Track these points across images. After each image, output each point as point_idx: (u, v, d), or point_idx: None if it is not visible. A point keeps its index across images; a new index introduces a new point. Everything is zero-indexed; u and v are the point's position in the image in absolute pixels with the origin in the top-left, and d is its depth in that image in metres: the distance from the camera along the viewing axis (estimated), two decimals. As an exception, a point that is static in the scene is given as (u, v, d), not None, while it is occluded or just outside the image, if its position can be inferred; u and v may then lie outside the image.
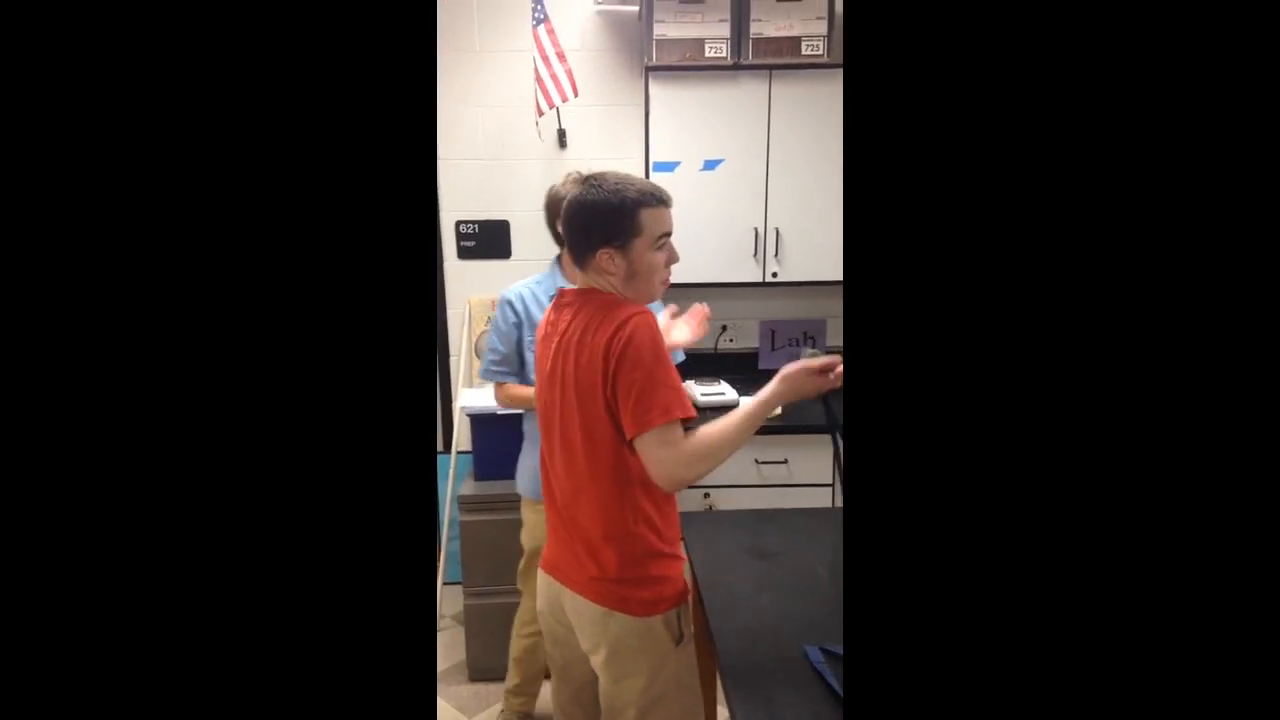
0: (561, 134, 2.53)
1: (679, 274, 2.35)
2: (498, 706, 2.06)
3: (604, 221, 1.16)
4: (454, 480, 2.54)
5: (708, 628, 1.24)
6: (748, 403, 1.17)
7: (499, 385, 1.83)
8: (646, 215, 1.16)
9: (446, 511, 2.55)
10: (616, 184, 1.17)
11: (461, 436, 2.58)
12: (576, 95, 2.30)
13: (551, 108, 2.31)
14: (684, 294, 2.53)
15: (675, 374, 1.12)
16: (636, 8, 2.39)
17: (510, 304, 1.82)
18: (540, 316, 1.77)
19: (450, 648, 2.39)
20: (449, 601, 2.59)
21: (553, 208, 1.78)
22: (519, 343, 1.81)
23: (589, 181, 1.20)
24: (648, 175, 2.35)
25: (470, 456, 2.20)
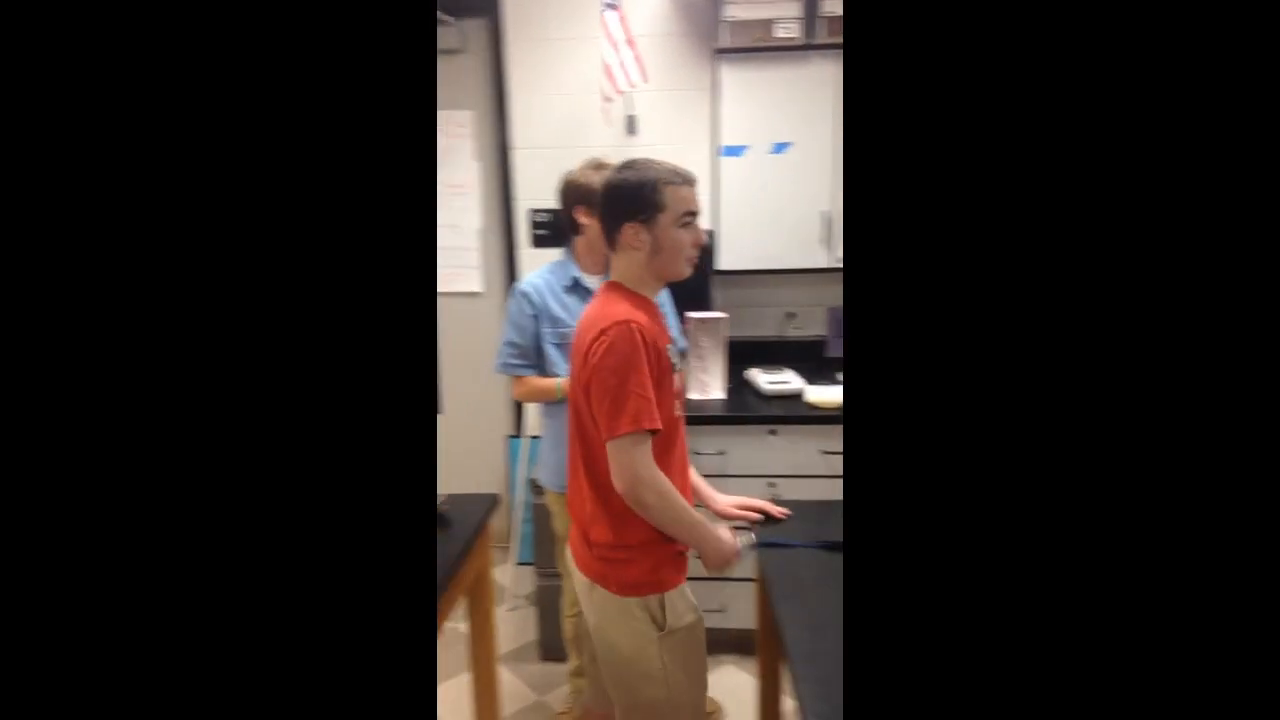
0: (630, 120, 2.53)
1: (747, 260, 2.35)
2: (567, 687, 2.11)
3: (631, 197, 1.22)
4: (526, 463, 2.60)
5: (774, 619, 1.23)
6: (695, 521, 1.24)
7: (517, 379, 1.78)
8: (671, 192, 1.22)
9: (519, 494, 2.62)
10: (645, 164, 1.25)
11: (533, 421, 2.64)
12: (645, 81, 2.30)
13: (620, 94, 2.31)
14: (752, 280, 2.50)
15: (647, 384, 1.17)
16: (706, -10, 2.37)
17: (526, 296, 1.75)
18: (556, 306, 1.76)
19: (521, 628, 2.46)
20: (522, 582, 2.66)
21: (567, 193, 1.73)
22: (536, 335, 1.76)
23: (621, 166, 1.27)
24: (716, 159, 2.33)
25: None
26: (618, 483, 1.19)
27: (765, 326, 2.62)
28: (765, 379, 2.32)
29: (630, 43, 2.25)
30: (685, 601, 1.29)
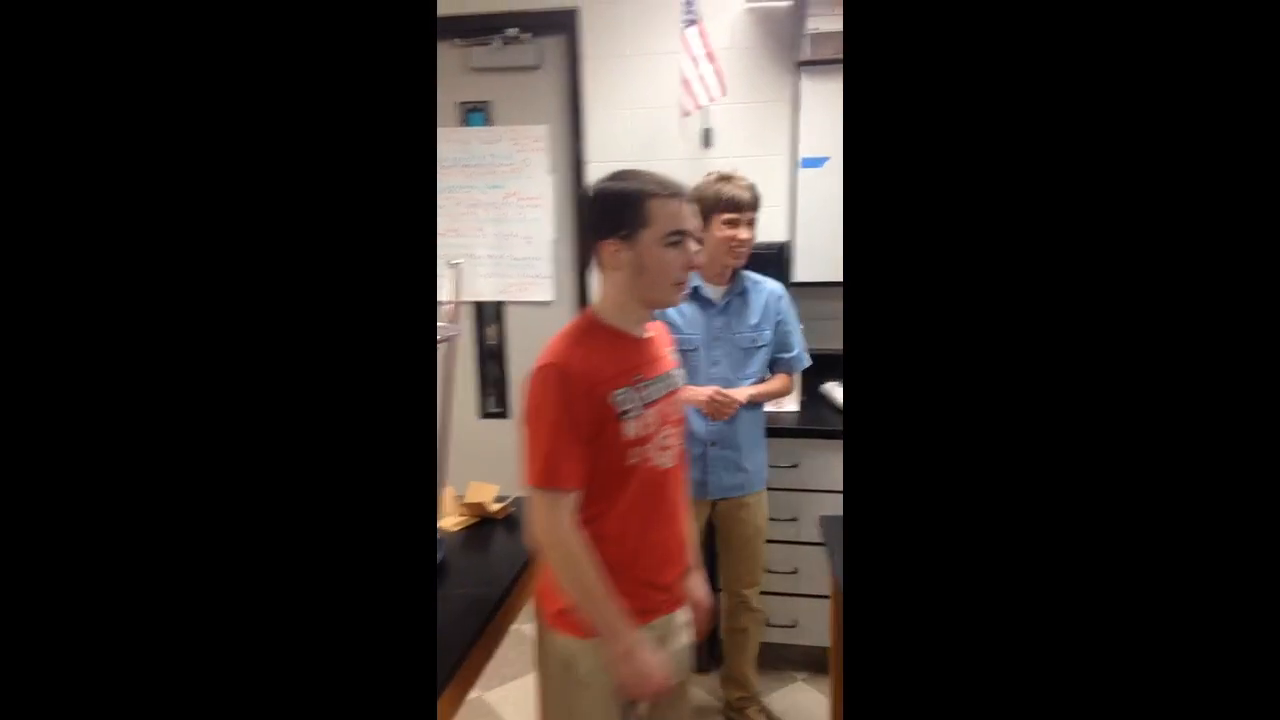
0: (706, 133, 2.55)
1: (824, 272, 2.33)
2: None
3: (611, 211, 1.11)
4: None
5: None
6: (607, 610, 1.10)
7: None
8: (657, 206, 1.10)
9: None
10: (632, 175, 1.14)
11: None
12: (725, 94, 2.31)
13: (698, 108, 2.33)
14: (829, 293, 2.48)
15: (561, 437, 1.07)
16: (789, 3, 2.38)
17: None
18: (674, 314, 1.81)
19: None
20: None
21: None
22: None
23: (609, 176, 1.16)
24: (795, 171, 2.33)
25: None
26: (530, 530, 1.12)
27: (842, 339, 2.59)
28: (841, 392, 2.29)
29: (710, 57, 2.28)
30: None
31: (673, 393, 1.24)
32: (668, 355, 1.28)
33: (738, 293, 1.89)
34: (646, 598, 1.19)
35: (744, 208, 1.79)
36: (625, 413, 1.13)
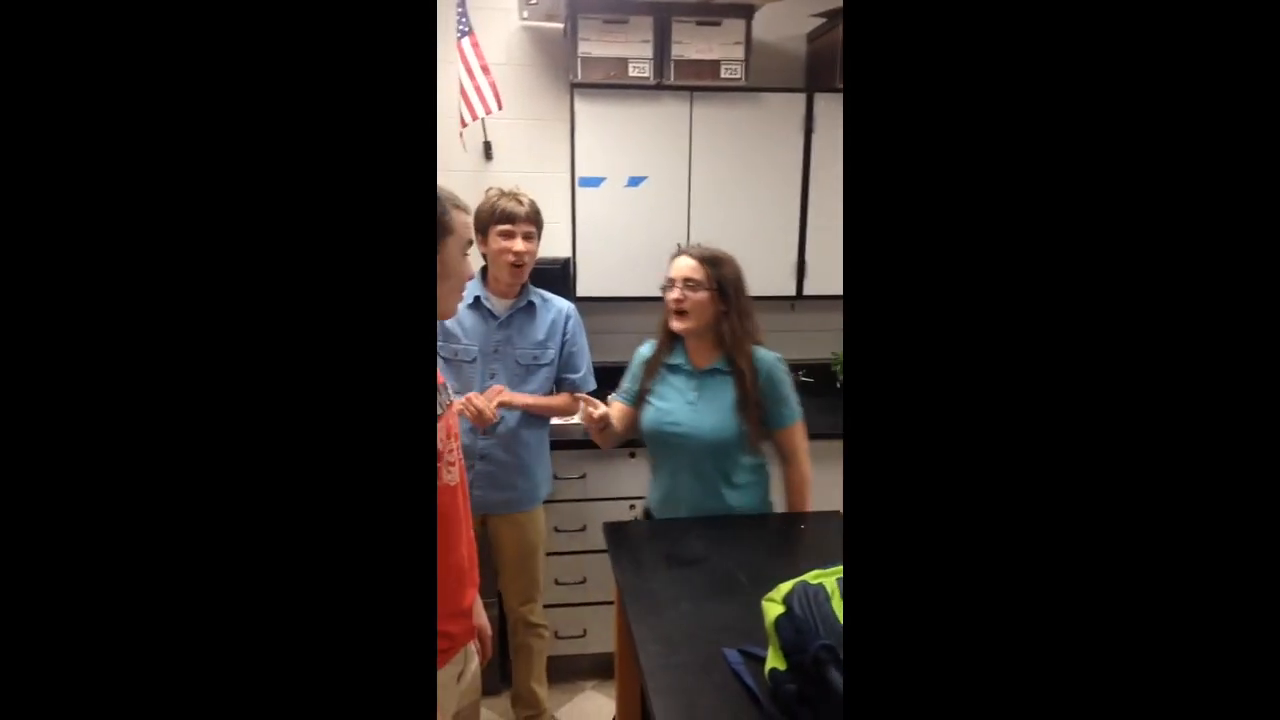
0: (488, 146, 2.53)
1: (605, 287, 2.41)
2: None
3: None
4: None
5: (630, 633, 1.26)
6: None
7: None
8: (457, 215, 1.12)
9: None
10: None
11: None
12: (501, 108, 2.31)
13: (475, 120, 2.31)
14: (609, 307, 2.56)
15: None
16: (562, 25, 2.43)
17: None
18: (451, 322, 1.83)
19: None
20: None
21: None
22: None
23: None
24: (574, 189, 2.38)
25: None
26: None
27: (622, 351, 2.68)
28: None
29: (485, 69, 2.27)
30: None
31: (451, 404, 1.22)
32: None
33: (522, 307, 1.90)
34: (447, 630, 1.15)
35: (517, 220, 1.81)
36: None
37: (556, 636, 2.28)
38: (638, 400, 1.76)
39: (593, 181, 2.35)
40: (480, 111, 2.28)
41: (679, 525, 1.66)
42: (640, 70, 2.28)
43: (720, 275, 1.67)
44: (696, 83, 2.31)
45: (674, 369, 1.74)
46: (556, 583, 2.28)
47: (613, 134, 2.33)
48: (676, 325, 1.67)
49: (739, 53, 2.30)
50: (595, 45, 2.24)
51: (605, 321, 2.53)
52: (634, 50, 2.26)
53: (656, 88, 2.31)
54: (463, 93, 2.26)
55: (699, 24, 2.27)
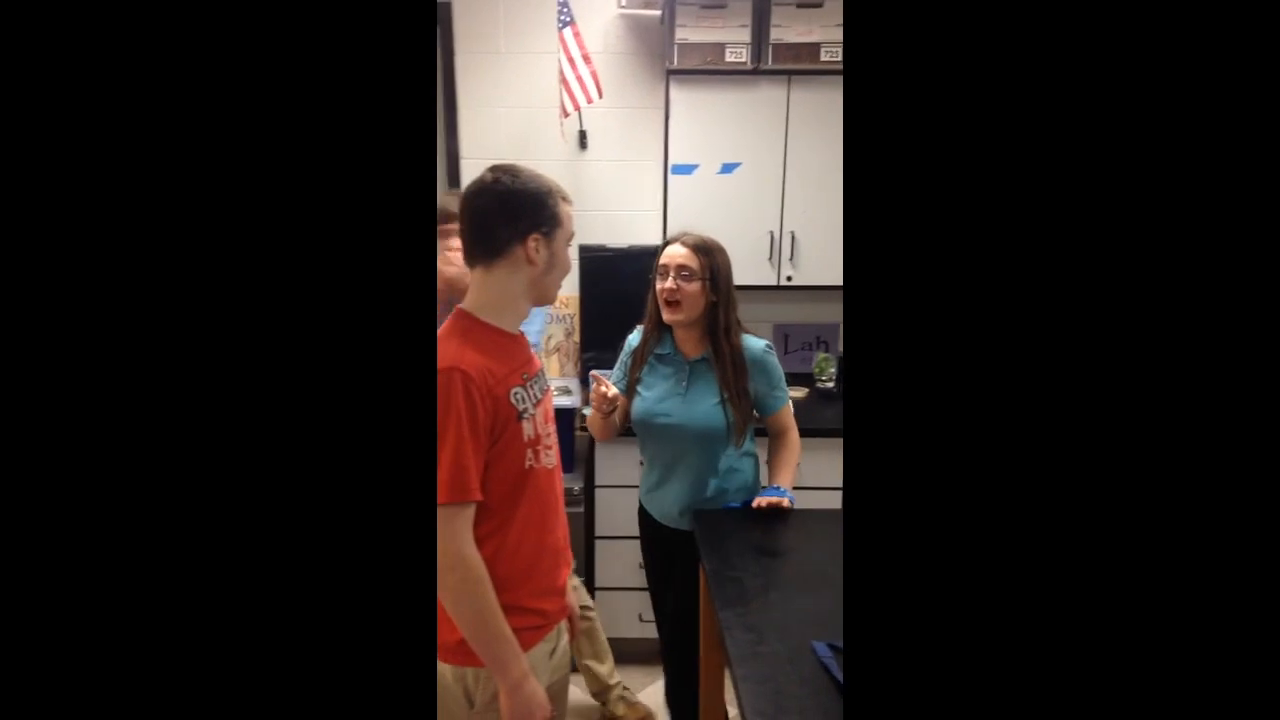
0: (583, 135, 2.56)
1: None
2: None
3: (534, 206, 1.11)
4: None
5: (717, 623, 1.27)
6: (498, 634, 1.08)
7: None
8: (564, 207, 1.15)
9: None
10: (533, 174, 1.14)
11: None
12: (601, 97, 2.33)
13: (577, 109, 2.34)
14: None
15: (465, 446, 1.03)
16: (659, 12, 2.42)
17: None
18: None
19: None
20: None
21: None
22: None
23: (500, 173, 1.14)
24: (666, 177, 2.38)
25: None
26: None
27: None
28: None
29: (587, 59, 2.29)
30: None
31: (549, 390, 1.25)
32: (534, 352, 1.29)
33: None
34: (543, 608, 1.19)
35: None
36: (523, 412, 1.12)
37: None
38: (628, 391, 1.75)
39: (685, 169, 2.34)
40: (582, 100, 2.31)
41: (768, 515, 1.65)
42: (737, 55, 2.25)
43: (713, 265, 1.63)
44: (795, 66, 2.26)
45: (663, 358, 1.72)
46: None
47: (707, 120, 2.31)
48: (669, 317, 1.64)
49: (840, 34, 2.23)
50: (692, 31, 2.23)
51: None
52: (731, 35, 2.23)
53: (753, 73, 2.27)
54: (564, 82, 2.30)
55: (799, 6, 2.22)
